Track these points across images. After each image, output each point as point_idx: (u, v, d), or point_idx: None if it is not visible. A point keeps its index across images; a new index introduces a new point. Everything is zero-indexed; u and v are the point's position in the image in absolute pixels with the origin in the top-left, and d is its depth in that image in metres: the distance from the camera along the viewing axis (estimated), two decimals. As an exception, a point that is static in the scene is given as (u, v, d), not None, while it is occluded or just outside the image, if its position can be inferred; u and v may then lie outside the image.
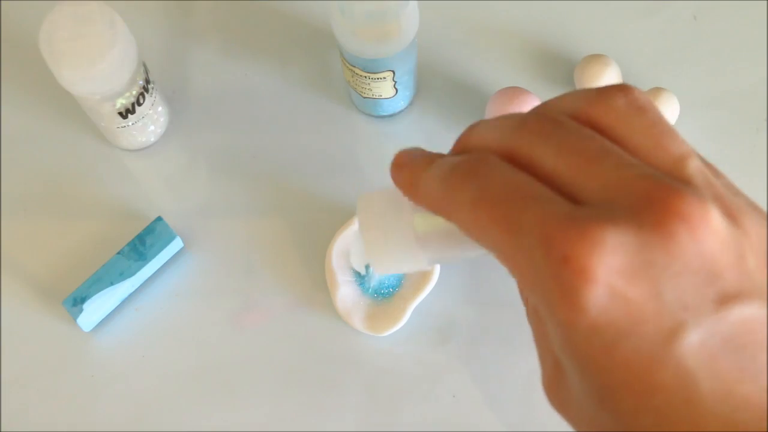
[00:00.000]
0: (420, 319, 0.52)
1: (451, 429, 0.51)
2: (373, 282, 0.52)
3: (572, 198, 0.22)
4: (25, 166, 0.56)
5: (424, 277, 0.52)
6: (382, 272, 0.30)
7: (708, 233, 0.21)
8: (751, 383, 0.21)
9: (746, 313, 0.21)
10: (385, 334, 0.51)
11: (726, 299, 0.21)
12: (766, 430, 0.21)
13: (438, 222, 0.27)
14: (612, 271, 0.21)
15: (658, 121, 0.23)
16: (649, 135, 0.23)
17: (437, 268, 0.52)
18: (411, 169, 0.26)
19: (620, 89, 0.24)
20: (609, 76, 0.54)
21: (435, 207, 0.25)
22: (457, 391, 0.51)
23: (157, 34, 0.59)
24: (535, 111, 0.25)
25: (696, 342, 0.21)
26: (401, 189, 0.27)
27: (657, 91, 0.54)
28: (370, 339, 0.52)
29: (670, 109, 0.54)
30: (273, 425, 0.51)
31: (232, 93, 0.57)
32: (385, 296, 0.52)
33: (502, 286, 0.52)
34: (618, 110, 0.24)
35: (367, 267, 0.52)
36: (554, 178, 0.23)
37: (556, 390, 0.24)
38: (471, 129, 0.26)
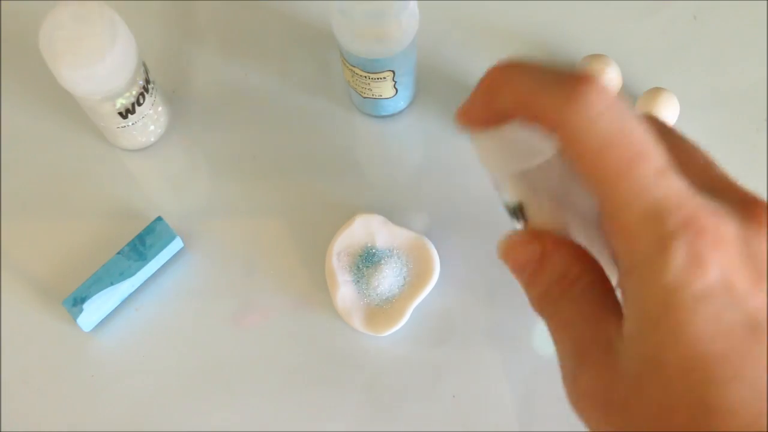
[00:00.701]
0: (420, 319, 0.52)
1: (451, 429, 0.51)
2: (374, 287, 0.52)
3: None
4: (26, 166, 0.56)
5: (424, 277, 0.52)
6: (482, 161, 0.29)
7: None
8: None
9: None
10: (385, 334, 0.51)
11: None
12: None
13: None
14: (730, 247, 0.22)
15: (682, 138, 0.27)
16: (675, 149, 0.25)
17: (437, 268, 0.52)
18: (484, 88, 0.26)
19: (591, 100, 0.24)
20: (609, 76, 0.54)
21: (530, 114, 0.24)
22: (457, 391, 0.51)
23: (157, 34, 0.59)
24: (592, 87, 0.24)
25: None
26: (471, 114, 0.27)
27: (657, 91, 0.54)
28: (370, 339, 0.52)
29: (670, 109, 0.54)
30: (273, 425, 0.51)
31: (232, 93, 0.57)
32: (387, 298, 0.52)
33: (503, 286, 0.52)
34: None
35: (358, 264, 0.52)
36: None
37: (601, 374, 0.24)
38: (503, 76, 0.25)
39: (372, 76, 0.51)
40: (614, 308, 0.25)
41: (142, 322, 0.53)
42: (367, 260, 0.52)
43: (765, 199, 0.24)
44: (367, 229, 0.52)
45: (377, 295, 0.52)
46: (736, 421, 0.21)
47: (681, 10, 0.59)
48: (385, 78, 0.51)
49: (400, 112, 0.57)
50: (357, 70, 0.51)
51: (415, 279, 0.52)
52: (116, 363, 0.52)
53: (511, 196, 0.28)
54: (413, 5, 0.48)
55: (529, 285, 0.27)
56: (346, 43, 0.48)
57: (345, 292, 0.51)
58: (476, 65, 0.58)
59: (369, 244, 0.52)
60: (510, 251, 0.28)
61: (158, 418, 0.51)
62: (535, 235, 0.27)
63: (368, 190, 0.55)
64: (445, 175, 0.55)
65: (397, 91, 0.53)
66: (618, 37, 0.58)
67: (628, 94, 0.56)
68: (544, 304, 0.27)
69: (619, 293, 0.26)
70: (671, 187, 0.23)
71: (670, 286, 0.22)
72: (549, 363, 0.49)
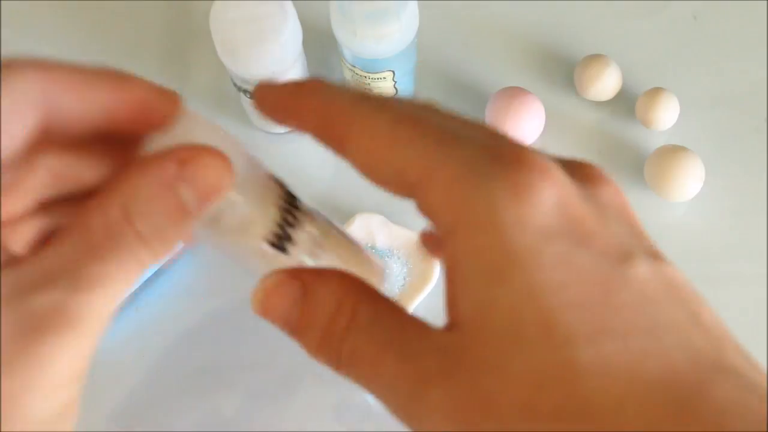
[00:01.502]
0: (420, 319, 0.52)
1: (451, 429, 0.50)
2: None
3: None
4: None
5: (424, 277, 0.52)
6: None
7: (625, 197, 0.22)
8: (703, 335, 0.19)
9: (669, 271, 0.20)
10: (385, 334, 0.51)
11: (654, 255, 0.20)
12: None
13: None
14: (564, 184, 0.19)
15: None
16: None
17: (437, 268, 0.52)
18: (299, 85, 0.23)
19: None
20: (609, 76, 0.54)
21: (330, 118, 0.22)
22: (457, 391, 0.51)
23: (156, 33, 0.59)
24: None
25: (647, 273, 0.19)
26: (275, 97, 0.24)
27: (657, 91, 0.54)
28: (370, 339, 0.52)
29: (669, 109, 0.54)
30: (273, 425, 0.51)
31: (231, 93, 0.57)
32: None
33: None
34: None
35: None
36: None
37: (447, 382, 0.19)
38: (312, 91, 0.23)
39: (372, 76, 0.51)
40: (416, 321, 0.21)
41: (142, 322, 0.53)
42: (367, 260, 0.52)
43: (596, 166, 0.22)
44: (367, 229, 0.52)
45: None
46: (609, 379, 0.17)
47: (681, 10, 0.59)
48: (385, 78, 0.51)
49: (400, 112, 0.57)
50: (357, 70, 0.51)
51: (415, 279, 0.52)
52: (116, 363, 0.52)
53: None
54: (413, 5, 0.48)
55: (301, 335, 0.23)
56: (346, 43, 0.48)
57: (345, 292, 0.51)
58: (476, 65, 0.58)
59: (369, 244, 0.52)
60: (267, 303, 0.23)
61: (158, 417, 0.51)
62: (290, 274, 0.23)
63: (368, 190, 0.55)
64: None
65: (397, 91, 0.53)
66: (618, 37, 0.58)
67: (628, 94, 0.56)
68: (332, 351, 0.22)
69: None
70: (486, 137, 0.20)
71: (503, 228, 0.18)
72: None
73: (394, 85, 0.52)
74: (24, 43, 0.59)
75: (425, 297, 0.52)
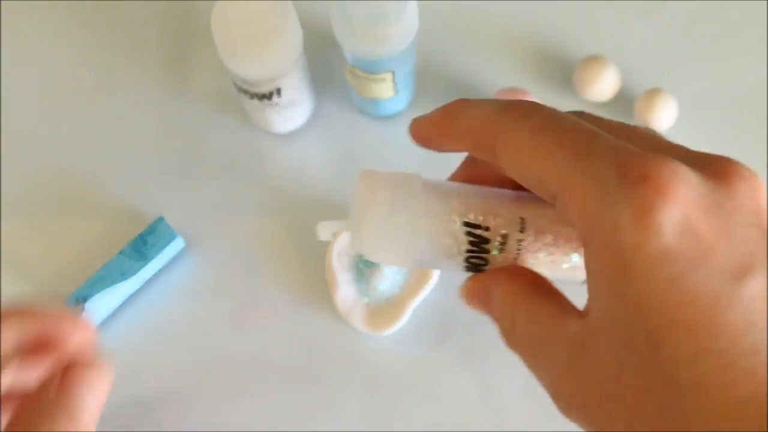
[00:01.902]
0: (420, 319, 0.52)
1: (451, 429, 0.51)
2: (374, 287, 0.52)
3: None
4: (26, 166, 0.56)
5: (424, 277, 0.52)
6: (360, 250, 0.29)
7: (762, 194, 0.22)
8: None
9: None
10: (385, 333, 0.51)
11: None
12: None
13: (439, 225, 0.27)
14: (688, 200, 0.20)
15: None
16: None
17: (437, 269, 0.52)
18: (444, 110, 0.26)
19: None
20: (608, 77, 0.54)
21: (478, 133, 0.25)
22: (457, 391, 0.51)
23: (158, 33, 0.59)
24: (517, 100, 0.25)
25: (763, 287, 0.20)
26: (428, 128, 0.27)
27: (656, 91, 0.54)
28: (370, 339, 0.52)
29: (668, 110, 0.54)
30: (273, 425, 0.51)
31: (231, 93, 0.57)
32: (387, 298, 0.52)
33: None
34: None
35: (357, 264, 0.52)
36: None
37: (573, 377, 0.22)
38: (457, 112, 0.26)
39: (372, 76, 0.51)
40: (557, 312, 0.24)
41: (143, 321, 0.53)
42: (367, 260, 0.52)
43: (724, 158, 0.22)
44: (367, 229, 0.52)
45: (377, 295, 0.52)
46: (704, 398, 0.19)
47: (680, 10, 0.59)
48: (384, 79, 0.51)
49: (400, 112, 0.57)
50: (357, 71, 0.51)
51: (415, 279, 0.52)
52: (117, 363, 0.52)
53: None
54: (413, 5, 0.48)
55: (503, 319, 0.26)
56: (346, 43, 0.48)
57: (345, 292, 0.52)
58: (476, 65, 0.58)
59: (369, 244, 0.52)
60: (468, 299, 0.28)
61: (159, 417, 0.51)
62: (477, 280, 0.27)
63: (368, 190, 0.55)
64: (444, 176, 0.55)
65: (396, 92, 0.53)
66: (617, 38, 0.58)
67: (627, 94, 0.56)
68: (506, 339, 0.26)
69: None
70: (617, 148, 0.21)
71: (622, 250, 0.20)
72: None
73: (394, 86, 0.52)
74: (24, 43, 0.60)
75: (425, 297, 0.52)
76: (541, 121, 0.23)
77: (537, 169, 0.23)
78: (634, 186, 0.20)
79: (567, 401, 0.23)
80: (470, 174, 0.29)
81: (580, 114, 0.24)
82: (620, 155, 0.21)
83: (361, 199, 0.27)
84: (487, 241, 0.26)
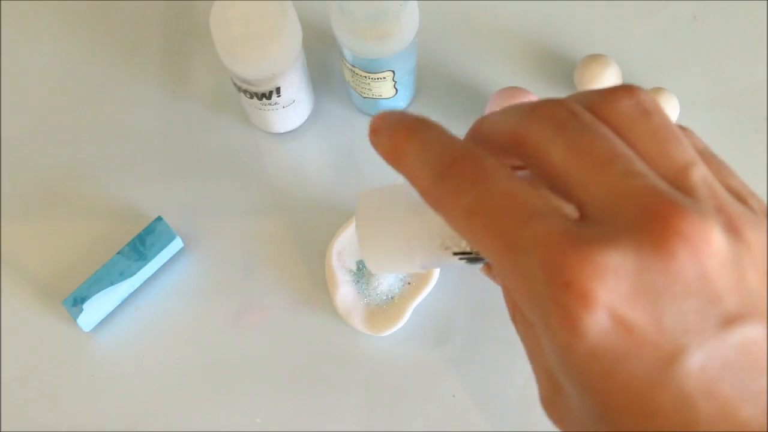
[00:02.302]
0: (420, 319, 0.52)
1: (451, 429, 0.51)
2: (374, 287, 0.52)
3: (576, 202, 0.22)
4: (24, 167, 0.56)
5: (424, 277, 0.52)
6: (375, 270, 0.29)
7: (708, 254, 0.20)
8: (752, 407, 0.21)
9: (747, 334, 0.21)
10: (385, 334, 0.51)
11: (727, 322, 0.21)
12: None
13: (435, 227, 0.27)
14: (613, 295, 0.20)
15: (664, 126, 0.23)
16: (654, 140, 0.22)
17: (437, 269, 0.52)
18: (390, 137, 0.25)
19: (627, 90, 0.23)
20: (609, 76, 0.54)
21: (426, 197, 0.24)
22: (457, 391, 0.51)
23: (156, 33, 0.59)
24: (550, 99, 0.24)
25: (696, 366, 0.21)
26: (381, 155, 0.26)
27: (657, 91, 0.54)
28: (370, 339, 0.52)
29: (670, 109, 0.54)
30: (273, 425, 0.51)
31: (231, 93, 0.57)
32: (387, 298, 0.52)
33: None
34: (623, 112, 0.23)
35: (359, 264, 0.52)
36: (560, 175, 0.22)
37: (554, 405, 0.24)
38: (480, 121, 0.26)
39: (372, 76, 0.51)
40: None
41: (142, 322, 0.53)
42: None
43: (671, 208, 0.21)
44: (367, 229, 0.52)
45: (377, 295, 0.52)
46: None
47: (681, 10, 0.59)
48: (385, 78, 0.51)
49: (400, 112, 0.57)
50: (357, 70, 0.51)
51: (415, 279, 0.52)
52: (116, 363, 0.52)
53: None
54: (413, 5, 0.48)
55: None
56: (346, 43, 0.48)
57: (345, 292, 0.51)
58: (476, 65, 0.58)
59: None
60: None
61: (158, 418, 0.51)
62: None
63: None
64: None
65: (397, 91, 0.53)
66: (618, 37, 0.58)
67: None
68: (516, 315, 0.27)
69: None
70: (544, 240, 0.21)
71: (557, 347, 0.21)
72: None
73: (394, 85, 0.52)
74: (24, 43, 0.59)
75: (425, 297, 0.52)
76: (473, 202, 0.22)
77: (480, 251, 0.23)
78: (557, 294, 0.20)
79: (541, 398, 0.25)
80: None
81: (558, 103, 0.23)
82: (545, 252, 0.21)
83: (357, 223, 0.28)
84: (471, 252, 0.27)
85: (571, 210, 0.22)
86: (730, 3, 0.58)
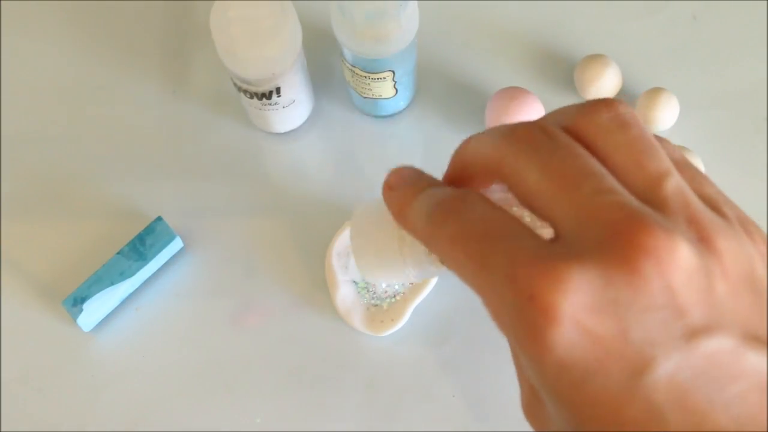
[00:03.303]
0: (420, 319, 0.52)
1: (451, 429, 0.51)
2: (374, 287, 0.52)
3: (551, 222, 0.23)
4: (24, 167, 0.56)
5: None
6: (370, 280, 0.30)
7: (674, 268, 0.21)
8: (722, 415, 0.21)
9: (714, 345, 0.21)
10: (385, 334, 0.51)
11: (693, 334, 0.21)
12: None
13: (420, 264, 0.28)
14: (577, 309, 0.21)
15: (640, 137, 0.23)
16: (629, 152, 0.23)
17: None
18: (400, 196, 0.27)
19: (605, 103, 0.24)
20: (609, 76, 0.54)
21: (420, 238, 0.26)
22: (457, 391, 0.51)
23: (156, 33, 0.59)
24: (527, 121, 0.25)
25: (664, 377, 0.21)
26: (392, 214, 0.28)
27: (657, 91, 0.54)
28: (370, 339, 0.52)
29: (670, 109, 0.54)
30: (273, 425, 0.51)
31: (231, 93, 0.57)
32: (387, 298, 0.52)
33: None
34: (601, 125, 0.24)
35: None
36: (535, 197, 0.23)
37: (534, 412, 0.25)
38: (464, 145, 0.27)
39: (372, 76, 0.51)
40: None
41: (142, 322, 0.53)
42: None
43: (637, 224, 0.21)
44: (367, 229, 0.52)
45: (377, 295, 0.52)
46: None
47: (681, 10, 0.59)
48: (385, 78, 0.51)
49: (400, 112, 0.57)
50: (357, 70, 0.51)
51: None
52: (116, 363, 0.52)
53: None
54: (413, 5, 0.48)
55: None
56: (346, 43, 0.48)
57: (345, 292, 0.51)
58: (476, 65, 0.58)
59: (369, 244, 0.52)
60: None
61: (158, 418, 0.51)
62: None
63: (368, 190, 0.55)
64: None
65: (397, 91, 0.53)
66: (618, 37, 0.58)
67: (628, 94, 0.56)
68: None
69: None
70: (511, 259, 0.22)
71: (528, 359, 0.22)
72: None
73: (394, 86, 0.52)
74: (24, 44, 0.59)
75: (425, 297, 0.52)
76: (455, 230, 0.24)
77: (460, 276, 0.24)
78: (524, 307, 0.21)
79: (525, 410, 0.26)
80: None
81: (534, 125, 0.24)
82: (512, 268, 0.22)
83: (351, 235, 0.30)
84: None
85: (548, 232, 0.23)
86: (730, 3, 0.58)
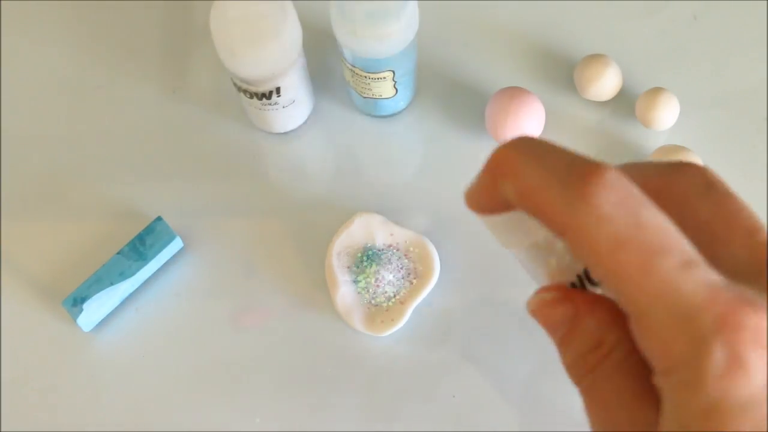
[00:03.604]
0: (420, 319, 0.52)
1: (451, 429, 0.51)
2: (374, 287, 0.52)
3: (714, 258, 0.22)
4: (25, 166, 0.56)
5: (424, 277, 0.52)
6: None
7: None
8: None
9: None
10: (385, 334, 0.51)
11: None
12: None
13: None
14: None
15: (728, 195, 0.23)
16: (719, 210, 0.23)
17: (437, 268, 0.52)
18: (494, 152, 0.23)
19: (694, 166, 0.24)
20: (609, 76, 0.54)
21: (552, 215, 0.21)
22: (457, 391, 0.51)
23: (156, 33, 0.59)
24: (603, 180, 0.21)
25: None
26: (484, 171, 0.23)
27: (657, 91, 0.54)
28: (370, 339, 0.52)
29: (670, 109, 0.54)
30: (273, 425, 0.51)
31: (231, 93, 0.57)
32: (387, 298, 0.52)
33: (502, 286, 0.52)
34: (690, 183, 0.23)
35: (357, 263, 0.52)
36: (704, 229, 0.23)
37: None
38: (513, 167, 0.22)
39: (372, 76, 0.51)
40: (649, 390, 0.23)
41: (142, 322, 0.53)
42: (367, 260, 0.52)
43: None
44: (367, 228, 0.52)
45: (377, 295, 0.52)
46: None
47: (681, 10, 0.59)
48: (385, 78, 0.51)
49: (400, 112, 0.57)
50: (357, 70, 0.51)
51: (415, 279, 0.52)
52: (116, 363, 0.52)
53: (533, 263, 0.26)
54: (413, 5, 0.48)
55: (561, 347, 0.25)
56: (346, 43, 0.48)
57: (345, 292, 0.51)
58: (476, 65, 0.58)
59: (369, 244, 0.52)
60: (540, 310, 0.25)
61: (158, 418, 0.51)
62: (566, 296, 0.24)
63: (368, 190, 0.55)
64: (445, 175, 0.55)
65: (397, 91, 0.53)
66: (618, 37, 0.58)
67: (628, 94, 0.56)
68: (579, 373, 0.24)
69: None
70: (699, 281, 0.20)
71: (711, 395, 0.20)
72: (548, 363, 0.49)
73: (394, 85, 0.52)
74: (24, 43, 0.59)
75: (425, 297, 0.52)
76: (622, 230, 0.21)
77: (606, 279, 0.22)
78: (721, 328, 0.20)
79: None
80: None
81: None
82: (714, 305, 0.20)
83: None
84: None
85: (553, 261, 0.22)
86: (730, 3, 0.58)
